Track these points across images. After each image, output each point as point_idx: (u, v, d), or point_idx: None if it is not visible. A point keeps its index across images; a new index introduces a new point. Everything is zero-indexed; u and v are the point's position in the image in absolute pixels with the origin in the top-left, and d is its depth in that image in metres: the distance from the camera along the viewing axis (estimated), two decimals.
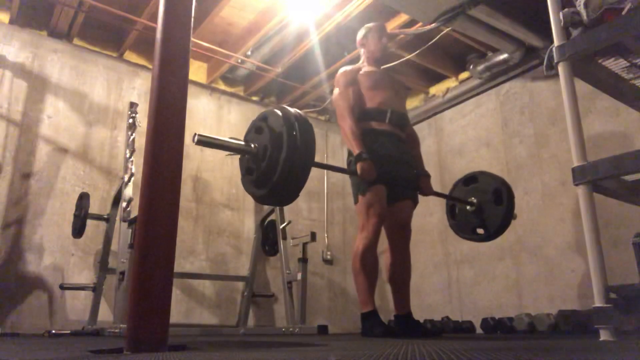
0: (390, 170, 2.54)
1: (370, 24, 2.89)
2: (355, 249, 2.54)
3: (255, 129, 1.79)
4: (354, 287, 2.61)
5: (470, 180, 2.76)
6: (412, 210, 2.71)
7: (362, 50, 2.88)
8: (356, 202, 2.64)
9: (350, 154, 2.65)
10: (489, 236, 2.70)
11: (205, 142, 1.68)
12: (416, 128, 3.19)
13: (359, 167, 2.41)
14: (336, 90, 2.72)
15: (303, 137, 1.68)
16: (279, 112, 1.73)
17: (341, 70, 2.80)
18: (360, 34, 2.89)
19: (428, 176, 2.73)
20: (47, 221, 3.56)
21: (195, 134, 1.63)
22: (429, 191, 2.69)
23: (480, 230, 2.69)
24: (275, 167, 1.67)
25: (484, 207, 2.65)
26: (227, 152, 1.93)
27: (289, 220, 4.08)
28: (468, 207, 2.69)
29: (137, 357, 1.13)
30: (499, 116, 4.20)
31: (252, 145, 1.76)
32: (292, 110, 1.76)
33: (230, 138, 1.84)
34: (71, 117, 3.86)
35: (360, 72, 2.76)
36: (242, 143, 1.79)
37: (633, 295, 1.54)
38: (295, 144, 1.65)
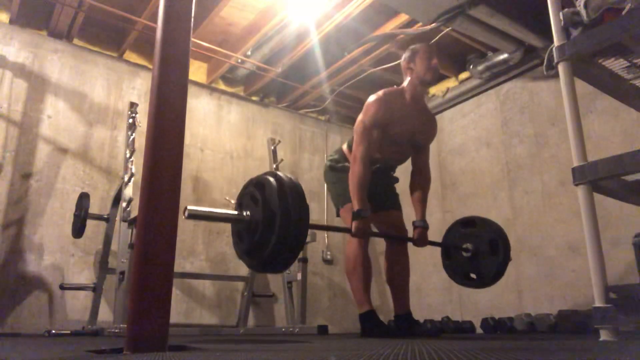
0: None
1: (417, 45, 2.63)
2: (347, 251, 2.56)
3: (251, 196, 1.75)
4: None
5: (469, 223, 2.72)
6: (400, 215, 2.73)
7: (407, 77, 2.61)
8: (338, 214, 2.70)
9: (339, 156, 2.67)
10: (482, 284, 2.68)
11: (196, 215, 1.65)
12: None
13: (354, 225, 2.32)
14: (360, 117, 2.51)
15: (297, 218, 1.63)
16: (275, 187, 1.67)
17: (377, 97, 2.51)
18: (405, 56, 2.62)
19: (425, 228, 2.61)
20: (47, 221, 3.56)
21: (185, 208, 1.58)
22: (423, 243, 2.59)
23: (473, 275, 2.67)
24: (266, 244, 1.65)
25: (479, 255, 2.61)
26: (217, 218, 1.90)
27: None
28: (464, 253, 2.67)
29: (137, 357, 1.13)
30: (499, 116, 4.20)
31: (245, 214, 1.73)
32: (289, 183, 1.69)
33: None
34: (71, 117, 3.86)
35: (395, 109, 2.51)
36: (235, 213, 1.76)
37: (633, 295, 1.54)
38: (288, 228, 1.62)
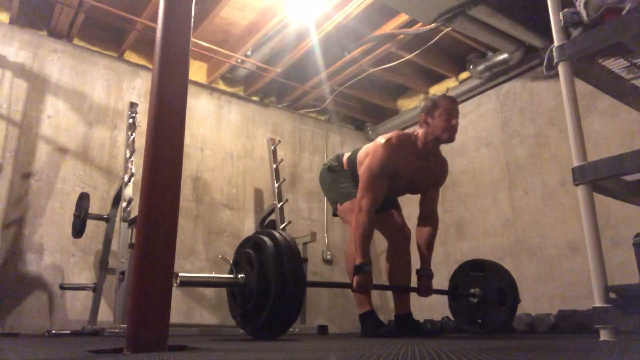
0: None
1: (439, 99, 2.46)
2: (348, 251, 2.56)
3: (247, 258, 1.72)
4: None
5: (478, 267, 2.68)
6: (400, 213, 2.73)
7: (421, 128, 2.46)
8: (335, 212, 2.69)
9: (338, 163, 2.66)
10: (488, 332, 2.65)
11: (189, 282, 1.63)
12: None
13: (356, 279, 2.26)
14: (368, 162, 2.38)
15: (292, 288, 1.59)
16: (271, 251, 1.61)
17: (388, 142, 2.37)
18: (425, 106, 2.46)
19: (430, 277, 2.56)
20: (47, 221, 3.56)
21: (177, 276, 1.56)
22: (427, 293, 2.54)
23: (479, 321, 2.66)
24: (260, 314, 1.62)
25: (487, 302, 2.57)
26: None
27: (289, 220, 4.08)
28: (471, 299, 2.64)
29: (137, 357, 1.13)
30: (499, 116, 4.20)
31: (239, 276, 1.70)
32: (285, 246, 1.64)
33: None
34: (71, 117, 3.86)
35: (405, 158, 2.41)
36: (229, 277, 1.73)
37: (633, 295, 1.54)
38: (282, 298, 1.58)
